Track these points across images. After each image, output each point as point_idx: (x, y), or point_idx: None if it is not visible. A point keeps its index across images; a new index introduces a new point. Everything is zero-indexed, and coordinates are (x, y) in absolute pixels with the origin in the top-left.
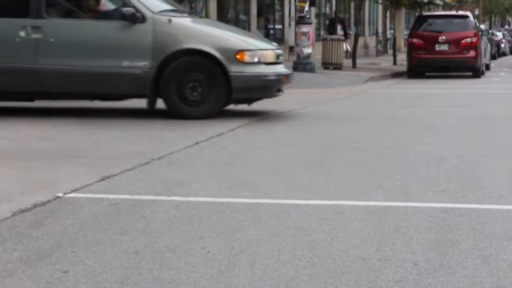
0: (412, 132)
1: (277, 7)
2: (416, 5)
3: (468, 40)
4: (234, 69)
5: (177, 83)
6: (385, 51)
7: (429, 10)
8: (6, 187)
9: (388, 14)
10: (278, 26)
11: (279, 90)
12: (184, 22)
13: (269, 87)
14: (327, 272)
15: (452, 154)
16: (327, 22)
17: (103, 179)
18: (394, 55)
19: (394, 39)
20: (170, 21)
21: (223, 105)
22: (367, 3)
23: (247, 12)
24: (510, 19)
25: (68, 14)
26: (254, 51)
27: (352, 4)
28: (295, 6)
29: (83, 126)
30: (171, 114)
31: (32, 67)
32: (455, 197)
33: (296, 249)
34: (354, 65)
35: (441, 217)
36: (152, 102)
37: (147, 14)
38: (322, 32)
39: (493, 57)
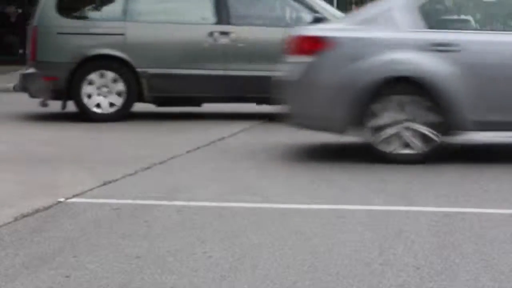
0: None
1: None
2: None
3: None
4: None
5: None
6: None
7: None
8: (7, 192)
9: None
10: None
11: None
12: None
13: None
14: (329, 276)
15: (453, 157)
16: None
17: (104, 184)
18: None
19: None
20: None
21: None
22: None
23: None
24: None
25: (253, 20)
26: None
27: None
28: None
29: (85, 130)
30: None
31: (221, 73)
32: (457, 201)
33: (298, 253)
34: None
35: (443, 221)
36: None
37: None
38: None
39: None
